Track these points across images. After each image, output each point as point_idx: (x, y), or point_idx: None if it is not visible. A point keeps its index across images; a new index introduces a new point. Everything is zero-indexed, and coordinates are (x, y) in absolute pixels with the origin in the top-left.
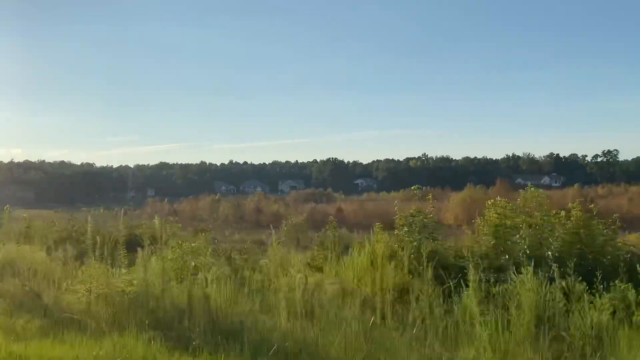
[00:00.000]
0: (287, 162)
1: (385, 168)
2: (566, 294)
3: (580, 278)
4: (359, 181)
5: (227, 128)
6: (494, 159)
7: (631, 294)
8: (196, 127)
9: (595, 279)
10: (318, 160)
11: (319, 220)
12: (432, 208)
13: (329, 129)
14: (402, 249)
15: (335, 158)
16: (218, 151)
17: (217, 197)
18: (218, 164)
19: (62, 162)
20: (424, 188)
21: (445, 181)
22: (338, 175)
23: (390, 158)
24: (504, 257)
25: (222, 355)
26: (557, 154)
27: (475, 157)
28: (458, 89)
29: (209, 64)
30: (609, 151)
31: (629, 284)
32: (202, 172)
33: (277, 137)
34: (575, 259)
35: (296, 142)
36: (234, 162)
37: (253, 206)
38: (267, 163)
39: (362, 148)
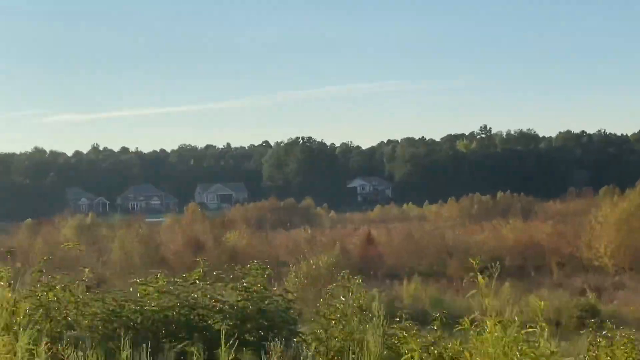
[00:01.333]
0: (208, 147)
1: (405, 156)
2: None
3: None
4: (358, 184)
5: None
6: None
7: None
8: None
9: None
10: (273, 144)
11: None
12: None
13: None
14: None
15: (308, 138)
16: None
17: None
18: (69, 154)
19: None
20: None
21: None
22: (314, 173)
23: (413, 136)
24: None
25: None
26: None
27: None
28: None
29: None
30: None
31: None
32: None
33: (179, 101)
34: None
35: (221, 108)
36: (102, 148)
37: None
38: (168, 151)
39: (363, 120)
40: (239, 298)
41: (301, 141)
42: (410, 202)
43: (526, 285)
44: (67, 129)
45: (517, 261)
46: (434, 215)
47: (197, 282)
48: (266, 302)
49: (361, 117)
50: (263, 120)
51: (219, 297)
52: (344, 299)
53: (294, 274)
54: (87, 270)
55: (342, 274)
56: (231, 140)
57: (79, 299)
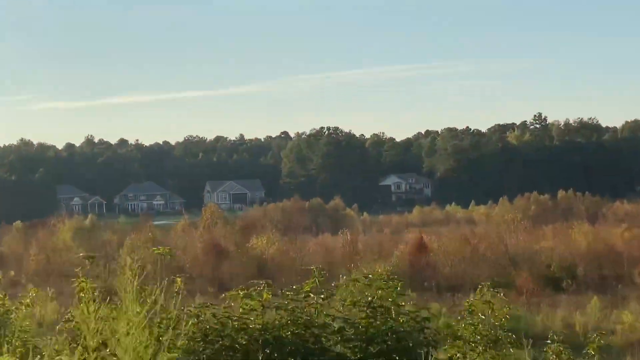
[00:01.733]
0: (218, 140)
1: (447, 150)
2: None
3: None
4: (392, 181)
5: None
6: None
7: None
8: None
9: None
10: (294, 135)
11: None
12: None
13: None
14: None
15: (335, 129)
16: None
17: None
18: (60, 147)
19: None
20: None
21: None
22: (342, 169)
23: (455, 127)
24: None
25: None
26: None
27: None
28: None
29: None
30: None
31: None
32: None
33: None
34: None
35: (233, 94)
36: (97, 140)
37: None
38: (172, 144)
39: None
40: (362, 315)
41: (326, 132)
42: (453, 203)
43: (609, 298)
44: (58, 118)
45: (593, 270)
46: (484, 217)
47: (310, 295)
48: (400, 319)
49: (395, 104)
50: (282, 108)
51: (337, 314)
52: (484, 317)
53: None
54: (178, 280)
55: (480, 285)
56: (245, 131)
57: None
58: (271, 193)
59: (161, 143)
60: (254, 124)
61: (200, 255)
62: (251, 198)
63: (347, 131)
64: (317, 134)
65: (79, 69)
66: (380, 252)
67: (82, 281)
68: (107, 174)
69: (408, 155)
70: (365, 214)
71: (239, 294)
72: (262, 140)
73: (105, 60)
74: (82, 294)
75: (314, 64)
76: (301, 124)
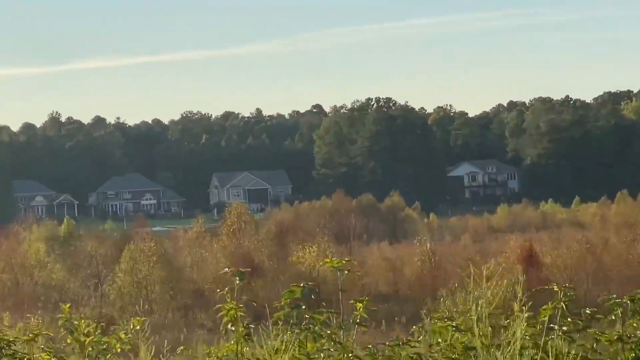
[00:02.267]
0: (227, 117)
1: (539, 127)
2: None
3: None
4: (464, 171)
5: None
6: None
7: None
8: None
9: None
10: (329, 110)
11: None
12: None
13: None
14: None
15: (386, 100)
16: None
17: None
18: (16, 129)
19: None
20: None
21: None
22: (397, 154)
23: (549, 96)
24: None
25: None
26: None
27: None
28: None
29: None
30: None
31: None
32: None
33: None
34: None
35: (244, 54)
36: (64, 119)
37: None
38: (165, 123)
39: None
40: None
41: (374, 105)
42: (550, 200)
43: None
44: (13, 89)
45: None
46: (598, 219)
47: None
48: None
49: (466, 67)
50: (312, 72)
51: None
52: None
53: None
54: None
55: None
56: (264, 104)
57: None
58: (301, 188)
59: (150, 122)
60: (276, 95)
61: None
62: (274, 195)
63: (403, 103)
64: (363, 108)
65: (40, 24)
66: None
67: (232, 308)
68: (79, 165)
69: (486, 135)
70: (432, 215)
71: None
72: (287, 117)
73: (74, 11)
74: (231, 327)
75: (353, 12)
76: (340, 94)
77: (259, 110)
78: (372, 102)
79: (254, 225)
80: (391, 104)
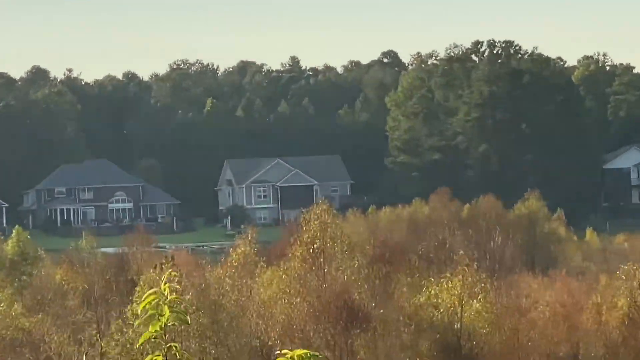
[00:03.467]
0: (244, 68)
1: None
2: None
3: None
4: (631, 160)
5: None
6: None
7: None
8: None
9: None
10: (410, 60)
11: None
12: None
13: None
14: None
15: (506, 44)
16: None
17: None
18: None
19: None
20: None
21: None
22: (518, 132)
23: None
24: None
25: None
26: None
27: None
28: None
29: None
30: None
31: None
32: None
33: None
34: None
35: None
36: None
37: None
38: (144, 79)
39: None
40: None
41: (486, 52)
42: None
43: None
44: None
45: None
46: None
47: None
48: None
49: None
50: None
51: None
52: None
53: None
54: None
55: None
56: (301, 52)
57: None
58: (364, 186)
59: (121, 77)
60: (321, 37)
61: (300, 322)
62: (324, 197)
63: (531, 50)
64: (466, 57)
65: None
66: None
67: None
68: (9, 145)
69: None
70: (589, 231)
71: None
72: (341, 70)
73: None
74: None
75: None
76: (426, 35)
77: (295, 60)
78: (483, 48)
79: (346, 243)
80: (513, 51)
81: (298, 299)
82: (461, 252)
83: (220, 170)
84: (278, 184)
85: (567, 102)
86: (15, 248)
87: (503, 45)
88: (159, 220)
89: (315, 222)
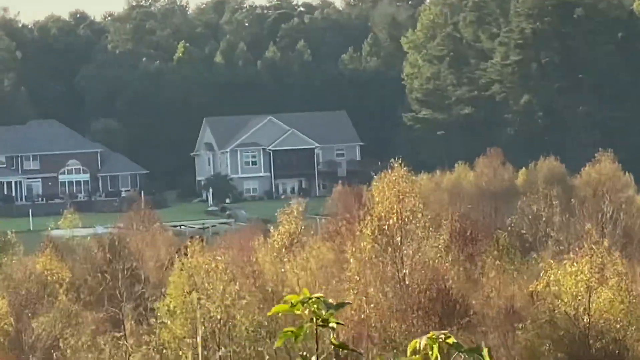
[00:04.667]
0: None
1: None
2: None
3: None
4: None
5: None
6: None
7: None
8: None
9: None
10: None
11: None
12: None
13: None
14: None
15: None
16: None
17: None
18: None
19: None
20: None
21: None
22: (566, 77)
23: None
24: None
25: None
26: None
27: None
28: None
29: None
30: None
31: None
32: None
33: None
34: None
35: None
36: None
37: None
38: (95, 19)
39: None
40: None
41: None
42: None
43: None
44: None
45: None
46: None
47: None
48: None
49: None
50: None
51: None
52: None
53: None
54: None
55: None
56: None
57: None
58: (376, 149)
59: (68, 18)
60: None
61: (378, 319)
62: (326, 163)
63: None
64: None
65: None
66: None
67: None
68: None
69: None
70: None
71: None
72: (341, 6)
73: None
74: None
75: None
76: None
77: None
78: None
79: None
80: None
81: (371, 289)
82: (588, 225)
83: (197, 131)
84: (270, 148)
85: (628, 39)
86: None
87: None
88: (123, 195)
89: (390, 192)
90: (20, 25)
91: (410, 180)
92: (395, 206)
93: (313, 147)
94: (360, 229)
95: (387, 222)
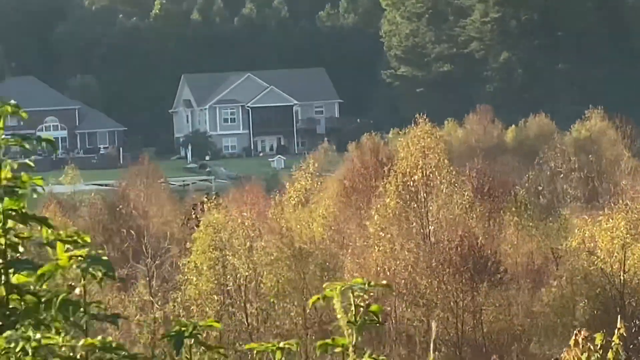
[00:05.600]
0: None
1: None
2: None
3: None
4: None
5: None
6: None
7: None
8: None
9: None
10: None
11: None
12: None
13: None
14: None
15: None
16: None
17: None
18: None
19: None
20: None
21: None
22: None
23: None
24: None
25: None
26: None
27: None
28: None
29: None
30: None
31: None
32: None
33: None
34: None
35: None
36: None
37: None
38: None
39: None
40: None
41: None
42: None
43: None
44: None
45: None
46: None
47: None
48: None
49: None
50: None
51: None
52: None
53: None
54: None
55: None
56: None
57: None
58: (355, 106)
59: None
60: None
61: (409, 277)
62: (306, 121)
63: None
64: None
65: None
66: None
67: None
68: None
69: None
70: None
71: None
72: None
73: None
74: None
75: None
76: None
77: None
78: None
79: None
80: None
81: (397, 245)
82: (623, 181)
83: (175, 88)
84: (249, 105)
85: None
86: None
87: None
88: (101, 152)
89: (414, 147)
90: None
91: (435, 136)
92: (420, 161)
93: (292, 104)
94: (383, 185)
95: (412, 178)
